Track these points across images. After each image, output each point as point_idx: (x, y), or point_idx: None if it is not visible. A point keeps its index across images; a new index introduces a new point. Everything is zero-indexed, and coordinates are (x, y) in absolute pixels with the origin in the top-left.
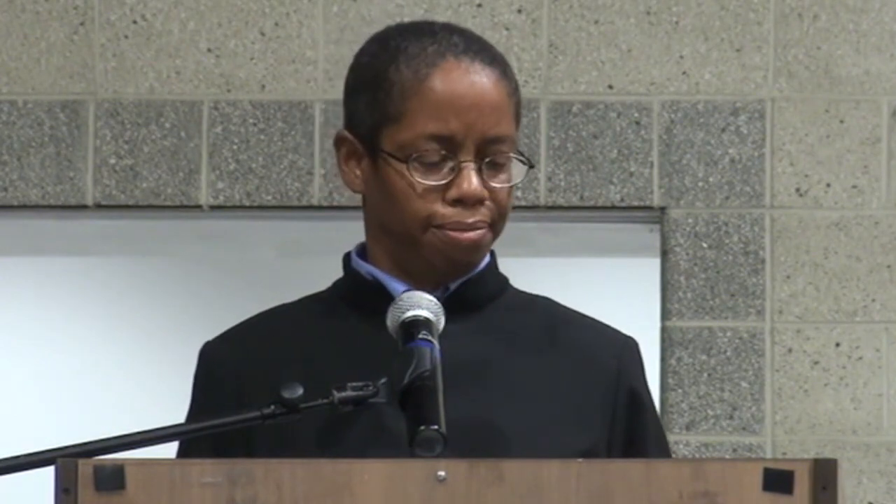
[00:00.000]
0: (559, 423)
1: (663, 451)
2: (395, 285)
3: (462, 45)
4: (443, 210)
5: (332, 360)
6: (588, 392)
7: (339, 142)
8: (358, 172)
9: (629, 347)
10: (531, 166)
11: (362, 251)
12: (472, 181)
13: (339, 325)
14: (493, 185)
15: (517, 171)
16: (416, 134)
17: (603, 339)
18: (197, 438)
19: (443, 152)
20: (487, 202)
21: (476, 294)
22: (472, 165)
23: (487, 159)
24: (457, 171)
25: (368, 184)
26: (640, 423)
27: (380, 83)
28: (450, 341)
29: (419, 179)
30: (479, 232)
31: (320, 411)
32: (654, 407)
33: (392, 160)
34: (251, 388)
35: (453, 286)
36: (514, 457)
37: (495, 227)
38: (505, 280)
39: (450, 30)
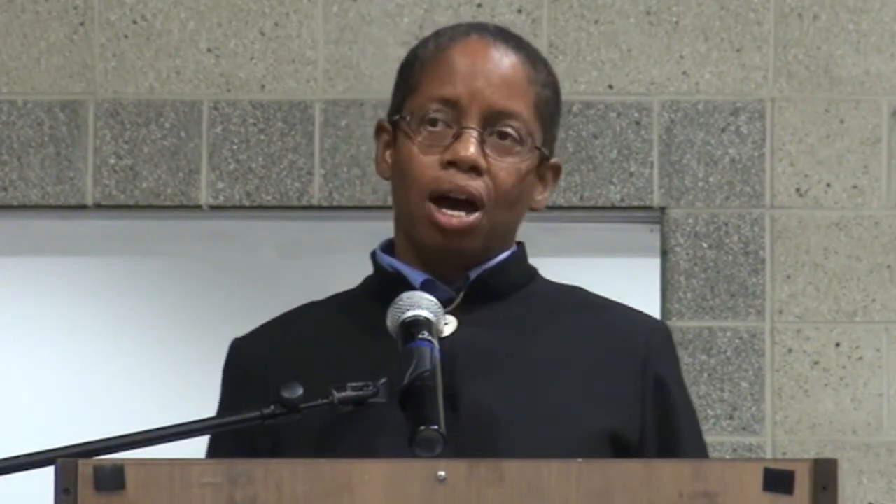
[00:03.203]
0: (582, 405)
1: (695, 440)
2: (414, 275)
3: (494, 30)
4: (439, 173)
5: (356, 357)
6: (615, 375)
7: (377, 131)
8: (388, 159)
9: (658, 332)
10: (546, 157)
11: (388, 246)
12: (468, 146)
13: (364, 320)
14: (494, 161)
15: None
16: (425, 97)
17: (632, 324)
18: (223, 434)
19: (448, 118)
20: (486, 178)
21: (498, 283)
22: (473, 132)
23: (492, 130)
24: (457, 136)
25: (393, 167)
26: (668, 411)
27: (409, 63)
28: (471, 329)
29: (420, 139)
30: (464, 218)
31: (320, 411)
32: (683, 394)
33: (402, 124)
34: (276, 386)
35: (473, 276)
36: (538, 440)
37: (492, 210)
38: (533, 270)
39: (490, 25)
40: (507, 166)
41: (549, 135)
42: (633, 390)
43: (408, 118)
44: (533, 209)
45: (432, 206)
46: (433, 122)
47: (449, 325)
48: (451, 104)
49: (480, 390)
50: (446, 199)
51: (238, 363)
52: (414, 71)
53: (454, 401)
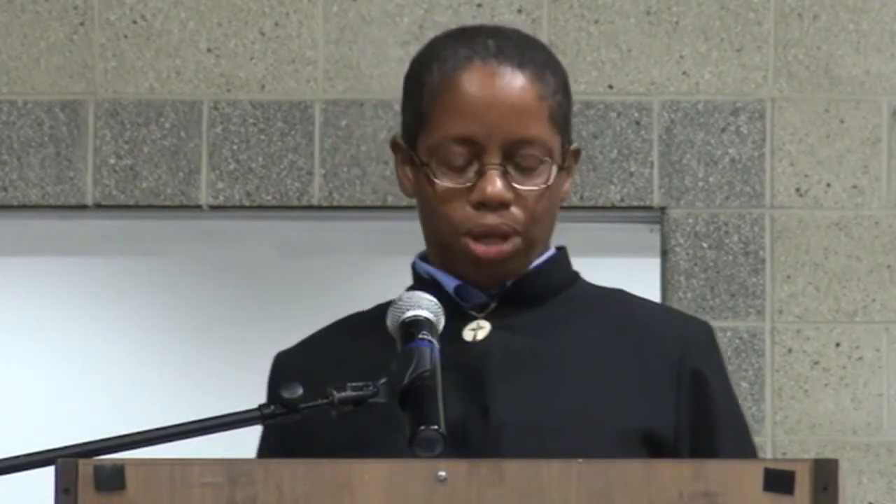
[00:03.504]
0: (616, 406)
1: (738, 438)
2: (448, 281)
3: (494, 49)
4: (467, 214)
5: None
6: (649, 374)
7: (393, 147)
8: (409, 177)
9: (698, 330)
10: (561, 167)
11: (427, 255)
12: (494, 184)
13: None
14: (521, 188)
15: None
16: (440, 137)
17: (671, 324)
18: (270, 434)
19: (468, 155)
20: (514, 207)
21: (534, 287)
22: (496, 168)
23: (514, 160)
24: (480, 174)
25: (415, 189)
26: (705, 408)
27: (415, 88)
28: (503, 334)
29: (441, 182)
30: (501, 247)
31: (320, 411)
32: (726, 393)
33: (422, 165)
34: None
35: (509, 281)
36: (570, 444)
37: (527, 233)
38: (573, 274)
39: (489, 34)
40: (535, 188)
41: (567, 132)
42: (668, 388)
43: (428, 162)
44: (562, 200)
45: (469, 241)
46: (454, 165)
47: (482, 330)
48: (468, 142)
49: (512, 395)
50: (482, 236)
51: (281, 376)
52: (423, 101)
53: (485, 406)
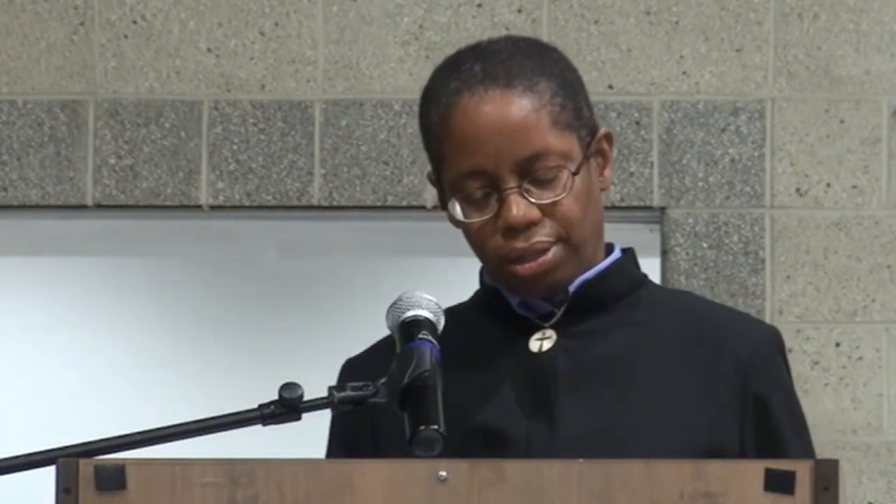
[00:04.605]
0: (683, 419)
1: (800, 452)
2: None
3: (480, 75)
4: (500, 243)
5: (463, 374)
6: (716, 388)
7: (430, 181)
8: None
9: (763, 343)
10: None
11: None
12: (515, 208)
13: (472, 337)
14: (544, 203)
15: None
16: (454, 175)
17: (737, 334)
18: (334, 438)
19: (485, 186)
20: (546, 220)
21: (599, 293)
22: (514, 192)
23: (531, 178)
24: (501, 201)
25: (455, 221)
26: (770, 427)
27: (424, 133)
28: (569, 343)
29: (469, 219)
30: (543, 259)
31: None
32: (789, 407)
33: (453, 209)
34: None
35: (573, 288)
36: (636, 457)
37: (568, 239)
38: (641, 277)
39: (476, 57)
40: (562, 196)
41: (583, 126)
42: (734, 404)
43: (454, 202)
44: (602, 190)
45: (511, 266)
46: (475, 199)
47: (548, 340)
48: (480, 175)
49: (578, 406)
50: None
51: (348, 380)
52: (432, 145)
53: (551, 418)
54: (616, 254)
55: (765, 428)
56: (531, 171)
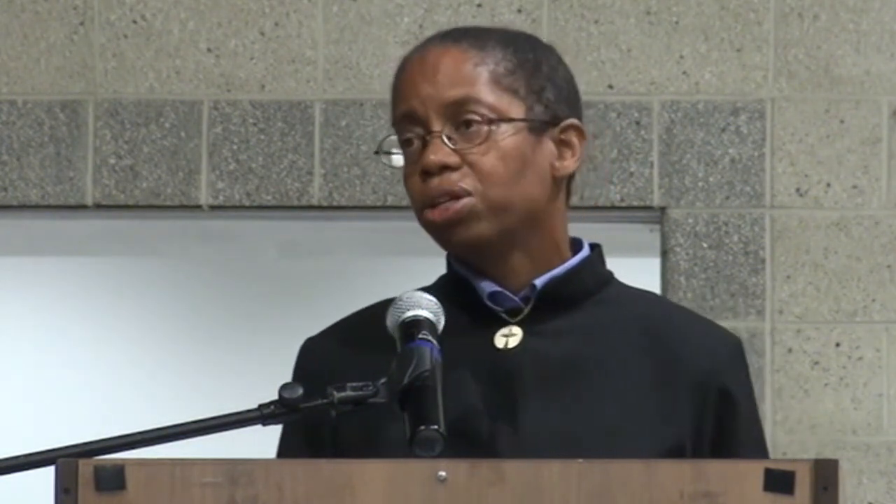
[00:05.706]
0: (646, 420)
1: (757, 456)
2: (482, 285)
3: (437, 38)
4: (419, 186)
5: None
6: (677, 391)
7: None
8: None
9: (727, 346)
10: (550, 122)
11: None
12: (432, 151)
13: None
14: (464, 149)
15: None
16: (394, 121)
17: (701, 338)
18: (291, 432)
19: (415, 131)
20: (465, 169)
21: (567, 291)
22: (436, 136)
23: (457, 123)
24: (424, 145)
25: None
26: (729, 426)
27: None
28: (536, 341)
29: (406, 161)
30: (453, 206)
31: (320, 411)
32: (751, 412)
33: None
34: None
35: (540, 284)
36: (598, 456)
37: (482, 193)
38: (608, 275)
39: (444, 32)
40: (485, 149)
41: (537, 100)
42: (695, 404)
43: (399, 154)
44: (555, 176)
45: (426, 212)
46: (408, 143)
47: (514, 337)
48: (411, 118)
49: (542, 405)
50: (434, 204)
51: (307, 361)
52: (391, 106)
53: (515, 417)
54: (585, 251)
55: (725, 424)
56: (458, 118)
